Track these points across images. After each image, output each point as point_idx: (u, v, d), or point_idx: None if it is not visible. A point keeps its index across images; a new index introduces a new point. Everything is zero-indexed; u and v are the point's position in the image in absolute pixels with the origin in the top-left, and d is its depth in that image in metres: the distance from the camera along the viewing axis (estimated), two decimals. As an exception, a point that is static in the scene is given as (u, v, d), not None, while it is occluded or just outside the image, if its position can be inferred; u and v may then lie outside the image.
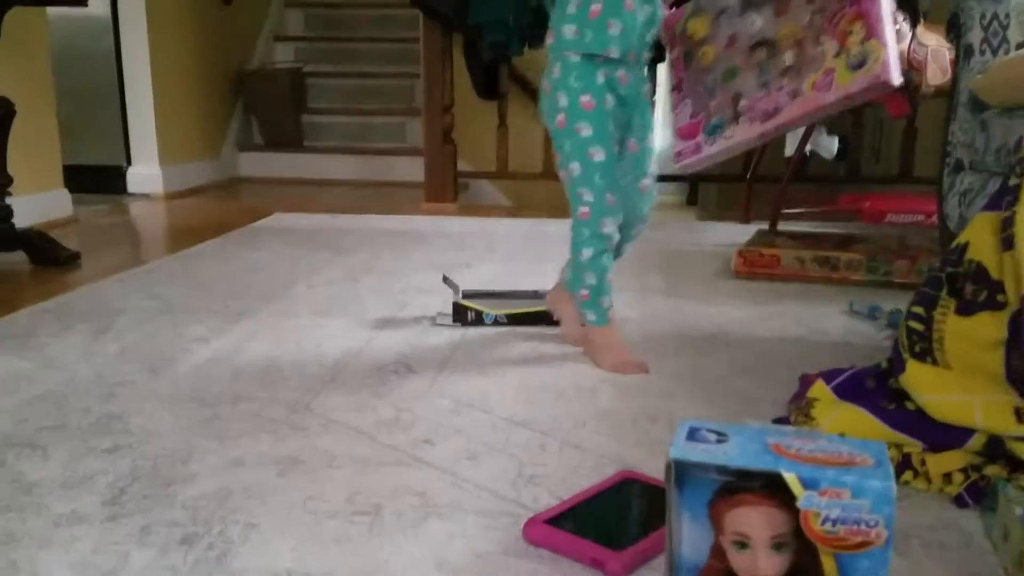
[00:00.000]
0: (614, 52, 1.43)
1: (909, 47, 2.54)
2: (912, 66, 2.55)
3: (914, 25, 2.57)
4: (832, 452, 0.68)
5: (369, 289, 2.05)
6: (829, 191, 3.19)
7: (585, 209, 1.46)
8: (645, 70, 1.51)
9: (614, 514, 0.95)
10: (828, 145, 2.75)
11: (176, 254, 2.47)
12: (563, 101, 1.44)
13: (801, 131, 2.66)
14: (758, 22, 1.38)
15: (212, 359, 1.51)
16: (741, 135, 1.39)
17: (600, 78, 1.43)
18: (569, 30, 1.43)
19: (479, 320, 1.73)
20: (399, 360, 1.52)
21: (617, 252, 1.56)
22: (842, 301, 1.92)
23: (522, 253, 2.53)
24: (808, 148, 2.72)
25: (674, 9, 1.47)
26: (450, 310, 1.74)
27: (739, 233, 2.59)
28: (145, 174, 3.77)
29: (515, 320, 1.73)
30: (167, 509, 0.98)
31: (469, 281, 1.87)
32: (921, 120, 3.19)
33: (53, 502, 0.99)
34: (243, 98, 4.71)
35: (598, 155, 1.44)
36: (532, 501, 1.00)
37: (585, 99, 1.43)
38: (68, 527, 0.94)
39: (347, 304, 1.90)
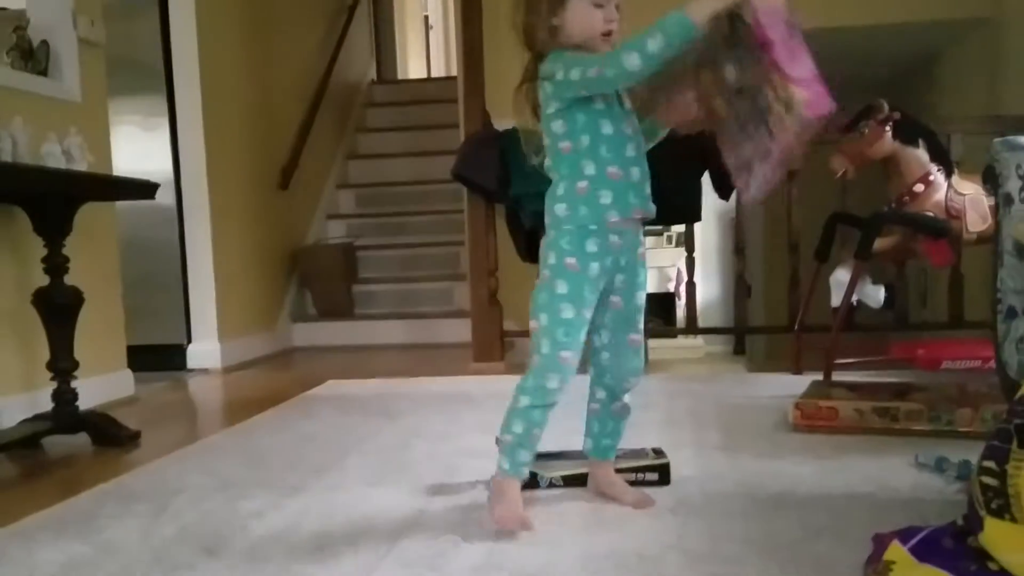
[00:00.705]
0: (614, 216, 1.47)
1: (946, 196, 2.59)
2: (951, 215, 2.59)
3: (948, 175, 2.63)
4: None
5: (421, 455, 2.04)
6: (879, 340, 3.15)
7: (537, 359, 1.48)
8: (640, 234, 1.55)
9: None
10: (874, 294, 2.75)
11: (232, 427, 2.50)
12: (552, 259, 1.50)
13: (846, 282, 2.67)
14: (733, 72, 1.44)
15: (267, 536, 1.51)
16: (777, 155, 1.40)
17: (591, 247, 1.47)
18: (561, 208, 1.49)
19: (534, 483, 1.70)
20: (454, 530, 1.49)
21: (616, 401, 1.61)
22: (906, 453, 1.86)
23: (572, 410, 2.50)
24: (855, 298, 2.72)
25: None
26: (503, 475, 1.71)
27: (792, 384, 2.55)
28: (204, 350, 3.88)
29: (570, 482, 1.70)
30: None
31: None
32: (966, 266, 3.19)
33: None
34: (298, 272, 4.91)
35: (567, 312, 1.47)
36: None
37: (571, 261, 1.48)
38: None
39: (399, 472, 1.89)
